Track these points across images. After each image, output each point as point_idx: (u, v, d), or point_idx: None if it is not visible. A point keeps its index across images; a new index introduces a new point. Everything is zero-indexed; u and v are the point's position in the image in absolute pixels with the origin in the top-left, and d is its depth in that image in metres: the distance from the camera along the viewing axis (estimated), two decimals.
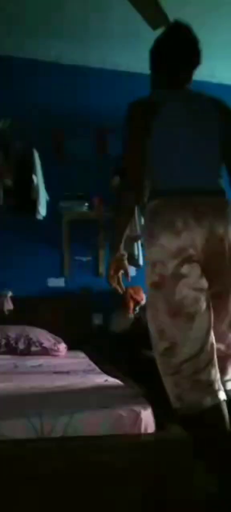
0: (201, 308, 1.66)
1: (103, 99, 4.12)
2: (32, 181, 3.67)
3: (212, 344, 1.67)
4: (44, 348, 3.33)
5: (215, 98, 2.16)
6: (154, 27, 2.70)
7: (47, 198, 3.83)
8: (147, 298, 1.91)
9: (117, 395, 1.93)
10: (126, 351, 3.42)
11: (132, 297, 3.73)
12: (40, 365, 2.89)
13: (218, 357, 1.69)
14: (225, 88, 4.45)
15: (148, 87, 4.24)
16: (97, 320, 3.87)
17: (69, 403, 1.72)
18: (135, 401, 1.79)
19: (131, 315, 3.73)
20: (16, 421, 1.57)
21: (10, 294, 3.70)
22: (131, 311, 3.73)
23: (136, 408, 1.68)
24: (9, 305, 3.66)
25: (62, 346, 3.42)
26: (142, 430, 1.64)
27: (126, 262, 1.92)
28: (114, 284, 1.92)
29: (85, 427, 1.60)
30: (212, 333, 1.68)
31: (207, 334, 1.67)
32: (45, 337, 3.42)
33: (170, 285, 1.66)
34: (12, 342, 3.34)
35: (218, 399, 1.63)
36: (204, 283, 1.69)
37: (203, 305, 1.67)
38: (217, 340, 1.71)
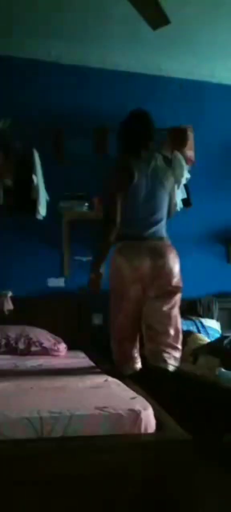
0: None
1: (103, 99, 4.12)
2: (32, 181, 3.67)
3: None
4: (44, 348, 3.34)
5: (168, 160, 3.32)
6: (154, 27, 2.70)
7: (47, 198, 3.83)
8: None
9: (116, 395, 1.93)
10: None
11: None
12: (40, 365, 2.89)
13: None
14: (225, 88, 4.47)
15: (147, 87, 4.25)
16: (97, 320, 3.87)
17: (69, 403, 1.72)
18: (135, 401, 1.79)
19: None
20: (16, 421, 1.57)
21: (10, 294, 3.70)
22: None
23: (136, 408, 1.68)
24: (9, 305, 3.66)
25: (62, 346, 3.42)
26: (142, 430, 1.65)
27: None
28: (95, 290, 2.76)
29: (85, 427, 1.60)
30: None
31: None
32: (45, 337, 3.42)
33: None
34: (12, 342, 3.34)
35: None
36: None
37: None
38: None
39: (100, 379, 2.31)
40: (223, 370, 2.66)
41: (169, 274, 2.70)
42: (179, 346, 2.74)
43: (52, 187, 3.85)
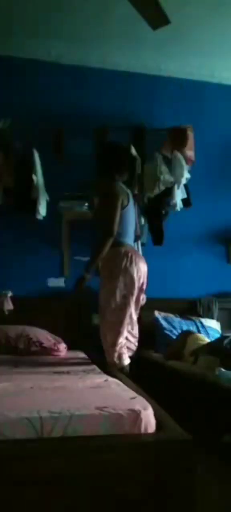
0: None
1: (103, 99, 4.12)
2: (32, 181, 3.67)
3: None
4: (44, 348, 3.34)
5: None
6: (154, 27, 2.70)
7: (47, 198, 3.83)
8: None
9: (116, 395, 1.93)
10: None
11: None
12: (40, 365, 2.89)
13: None
14: (225, 88, 4.47)
15: (147, 87, 4.25)
16: (97, 320, 3.86)
17: (69, 403, 1.71)
18: (135, 401, 1.79)
19: None
20: (16, 421, 1.57)
21: (10, 294, 3.70)
22: None
23: (136, 408, 1.68)
24: (9, 305, 3.66)
25: (62, 346, 3.42)
26: (142, 430, 1.64)
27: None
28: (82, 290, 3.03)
29: (85, 427, 1.60)
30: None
31: None
32: (45, 337, 3.42)
33: None
34: (12, 342, 3.34)
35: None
36: None
37: None
38: None
39: (100, 379, 2.31)
40: (223, 370, 2.66)
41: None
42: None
43: (52, 187, 3.85)
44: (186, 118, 4.11)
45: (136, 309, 3.07)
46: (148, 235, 4.05)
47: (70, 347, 3.50)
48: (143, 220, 3.97)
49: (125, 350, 2.98)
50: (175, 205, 3.98)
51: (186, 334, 3.55)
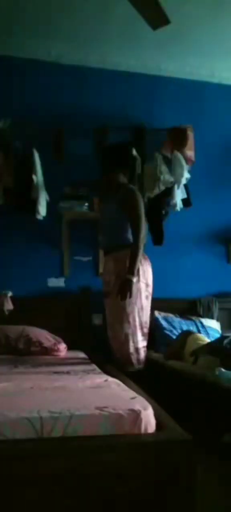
0: None
1: (103, 99, 4.12)
2: (32, 181, 3.67)
3: None
4: (44, 348, 3.34)
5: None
6: (154, 27, 2.70)
7: (47, 198, 3.83)
8: None
9: (116, 395, 1.93)
10: None
11: None
12: (40, 365, 2.89)
13: None
14: (225, 88, 4.47)
15: (147, 87, 4.26)
16: (97, 320, 3.87)
17: (69, 403, 1.72)
18: (135, 401, 1.79)
19: None
20: (16, 421, 1.57)
21: (10, 294, 3.70)
22: None
23: (136, 408, 1.68)
24: (9, 305, 3.66)
25: (62, 346, 3.42)
26: (142, 430, 1.64)
27: None
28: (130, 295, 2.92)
29: (85, 427, 1.60)
30: None
31: None
32: (45, 337, 3.41)
33: None
34: (12, 342, 3.34)
35: None
36: None
37: None
38: None
39: (100, 379, 2.31)
40: (223, 370, 2.66)
41: None
42: None
43: (52, 187, 3.84)
44: (186, 118, 4.11)
45: None
46: (148, 235, 4.05)
47: (70, 347, 3.50)
48: None
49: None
50: (175, 205, 3.98)
51: (186, 334, 3.55)
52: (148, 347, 3.17)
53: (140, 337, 3.02)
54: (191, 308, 4.14)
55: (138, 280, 2.96)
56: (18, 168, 3.67)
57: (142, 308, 3.01)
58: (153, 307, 3.91)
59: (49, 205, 3.82)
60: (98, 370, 2.69)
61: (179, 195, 4.00)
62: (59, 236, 3.99)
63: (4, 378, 2.31)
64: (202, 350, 3.18)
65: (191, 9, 3.48)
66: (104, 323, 3.22)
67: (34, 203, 3.68)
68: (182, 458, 1.57)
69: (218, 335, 3.71)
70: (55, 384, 2.15)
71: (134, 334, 2.99)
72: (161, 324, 3.90)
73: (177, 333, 3.72)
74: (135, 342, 3.00)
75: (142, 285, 3.00)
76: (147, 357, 3.16)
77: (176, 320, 3.96)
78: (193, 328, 3.81)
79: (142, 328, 3.03)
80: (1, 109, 3.75)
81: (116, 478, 1.53)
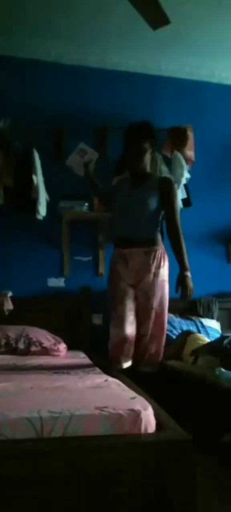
0: None
1: (103, 99, 4.12)
2: (32, 181, 3.67)
3: None
4: (44, 348, 3.33)
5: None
6: (154, 27, 2.70)
7: (47, 198, 3.83)
8: None
9: (116, 395, 1.93)
10: None
11: None
12: (40, 365, 2.89)
13: None
14: (225, 88, 4.47)
15: (147, 87, 4.24)
16: (97, 320, 3.87)
17: (69, 403, 1.72)
18: (135, 401, 1.79)
19: None
20: (16, 421, 1.57)
21: (10, 294, 3.70)
22: None
23: (136, 408, 1.68)
24: (9, 305, 3.66)
25: (62, 346, 3.42)
26: (142, 430, 1.65)
27: None
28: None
29: (85, 427, 1.60)
30: None
31: None
32: (45, 337, 3.41)
33: None
34: (12, 342, 3.34)
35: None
36: None
37: None
38: None
39: (100, 379, 2.31)
40: (223, 370, 2.66)
41: None
42: None
43: (52, 187, 3.84)
44: (186, 118, 4.11)
45: None
46: None
47: (70, 347, 3.50)
48: None
49: None
50: None
51: (186, 334, 3.55)
52: None
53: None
54: (191, 308, 4.14)
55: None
56: (18, 168, 3.67)
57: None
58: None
59: (49, 205, 3.82)
60: (98, 370, 2.69)
61: (179, 195, 4.00)
62: (59, 236, 3.99)
63: (4, 378, 2.31)
64: (202, 350, 3.18)
65: (191, 9, 3.48)
66: (104, 323, 3.22)
67: (34, 203, 3.68)
68: (182, 458, 1.57)
69: (218, 335, 3.71)
70: (55, 384, 2.16)
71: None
72: None
73: (177, 333, 3.72)
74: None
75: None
76: None
77: (176, 320, 3.96)
78: (193, 328, 3.81)
79: None
80: (1, 109, 3.75)
81: (115, 478, 1.53)
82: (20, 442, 1.53)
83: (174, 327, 3.85)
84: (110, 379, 2.30)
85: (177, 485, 1.56)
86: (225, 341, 3.01)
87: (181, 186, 4.01)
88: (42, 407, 1.65)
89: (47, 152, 3.79)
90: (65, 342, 3.47)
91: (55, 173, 3.84)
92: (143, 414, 1.66)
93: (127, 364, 2.96)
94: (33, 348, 3.32)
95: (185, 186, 4.07)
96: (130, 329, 2.92)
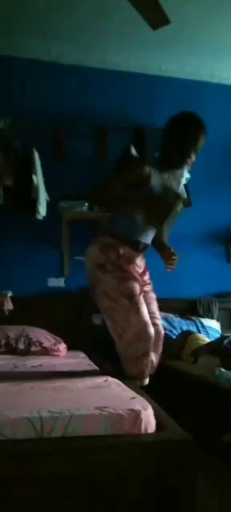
0: None
1: (103, 99, 4.12)
2: (32, 181, 3.67)
3: None
4: (44, 348, 3.33)
5: None
6: (154, 27, 2.70)
7: (47, 198, 3.83)
8: None
9: (116, 395, 1.93)
10: None
11: None
12: (40, 365, 2.89)
13: None
14: (225, 88, 4.47)
15: (147, 87, 4.23)
16: (97, 320, 3.86)
17: (69, 403, 1.72)
18: (135, 401, 1.79)
19: None
20: (16, 421, 1.57)
21: (10, 294, 3.70)
22: None
23: (136, 408, 1.68)
24: (9, 305, 3.66)
25: (62, 346, 3.42)
26: (142, 430, 1.64)
27: None
28: None
29: (85, 427, 1.60)
30: None
31: None
32: (45, 337, 3.42)
33: None
34: (12, 342, 3.34)
35: None
36: None
37: None
38: None
39: (100, 379, 2.31)
40: (223, 370, 2.67)
41: None
42: None
43: (52, 187, 3.84)
44: None
45: None
46: None
47: (70, 347, 3.50)
48: None
49: None
50: None
51: (186, 334, 3.55)
52: None
53: None
54: (191, 308, 4.14)
55: None
56: (18, 168, 3.67)
57: None
58: None
59: (49, 205, 3.82)
60: (98, 370, 2.69)
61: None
62: (59, 236, 3.99)
63: (4, 378, 2.31)
64: (202, 350, 3.19)
65: (191, 9, 3.48)
66: (105, 323, 3.20)
67: (34, 203, 3.68)
68: (182, 458, 1.57)
69: (218, 335, 3.71)
70: (55, 384, 2.15)
71: None
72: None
73: (177, 333, 3.72)
74: None
75: None
76: None
77: (176, 320, 3.96)
78: (193, 328, 3.81)
79: None
80: (1, 109, 3.75)
81: (115, 478, 1.53)
82: (20, 442, 1.53)
83: (174, 327, 3.85)
84: (110, 379, 2.30)
85: (177, 485, 1.56)
86: (225, 341, 3.01)
87: (181, 186, 4.00)
88: (42, 407, 1.65)
89: (47, 152, 3.80)
90: (65, 342, 3.47)
91: (55, 173, 3.84)
92: (143, 414, 1.66)
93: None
94: (33, 348, 3.32)
95: (185, 186, 4.07)
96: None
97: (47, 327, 3.53)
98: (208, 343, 3.29)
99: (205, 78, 4.39)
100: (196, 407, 2.76)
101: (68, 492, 1.49)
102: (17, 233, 3.87)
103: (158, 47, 3.92)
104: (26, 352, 3.29)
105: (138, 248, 2.70)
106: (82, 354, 3.39)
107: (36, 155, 3.73)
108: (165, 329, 3.84)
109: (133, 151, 3.87)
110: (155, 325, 2.67)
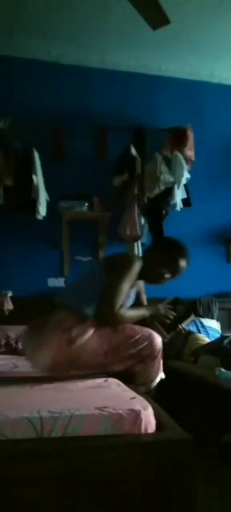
0: None
1: (103, 99, 4.12)
2: (32, 181, 3.67)
3: None
4: None
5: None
6: (154, 27, 2.70)
7: (47, 198, 3.83)
8: None
9: (116, 395, 1.93)
10: None
11: None
12: None
13: None
14: (225, 88, 4.47)
15: (147, 87, 4.22)
16: None
17: (69, 403, 1.71)
18: (135, 401, 1.79)
19: None
20: (16, 421, 1.57)
21: (10, 294, 3.70)
22: None
23: (136, 408, 1.68)
24: (9, 305, 3.66)
25: None
26: (142, 430, 1.64)
27: None
28: None
29: (85, 427, 1.60)
30: None
31: None
32: None
33: None
34: (12, 342, 3.34)
35: None
36: None
37: None
38: None
39: (100, 379, 2.31)
40: (223, 370, 2.66)
41: None
42: None
43: (52, 187, 3.84)
44: (186, 118, 4.11)
45: None
46: (148, 235, 4.05)
47: None
48: (143, 220, 3.98)
49: None
50: (175, 205, 3.98)
51: (186, 334, 3.55)
52: None
53: None
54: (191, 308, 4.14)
55: None
56: (18, 168, 3.67)
57: None
58: None
59: (49, 205, 3.82)
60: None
61: (179, 195, 4.00)
62: (59, 236, 3.99)
63: (4, 378, 2.31)
64: (202, 350, 3.18)
65: (191, 9, 3.49)
66: None
67: (34, 203, 3.68)
68: (182, 458, 1.57)
69: (218, 335, 3.71)
70: (55, 384, 2.15)
71: None
72: None
73: None
74: None
75: None
76: None
77: None
78: (193, 328, 3.81)
79: None
80: (1, 109, 3.75)
81: (116, 478, 1.53)
82: (20, 442, 1.53)
83: None
84: (110, 379, 2.30)
85: (177, 485, 1.56)
86: (225, 341, 3.01)
87: (181, 186, 4.01)
88: (42, 407, 1.65)
89: (47, 152, 3.80)
90: None
91: (55, 173, 3.84)
92: (143, 414, 1.66)
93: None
94: None
95: (185, 186, 4.08)
96: None
97: None
98: (208, 343, 3.29)
99: (205, 78, 4.39)
100: (196, 407, 2.76)
101: (68, 492, 1.49)
102: (17, 233, 3.87)
103: (158, 47, 3.92)
104: None
105: None
106: None
107: (36, 155, 3.73)
108: None
109: (133, 151, 3.87)
110: None
